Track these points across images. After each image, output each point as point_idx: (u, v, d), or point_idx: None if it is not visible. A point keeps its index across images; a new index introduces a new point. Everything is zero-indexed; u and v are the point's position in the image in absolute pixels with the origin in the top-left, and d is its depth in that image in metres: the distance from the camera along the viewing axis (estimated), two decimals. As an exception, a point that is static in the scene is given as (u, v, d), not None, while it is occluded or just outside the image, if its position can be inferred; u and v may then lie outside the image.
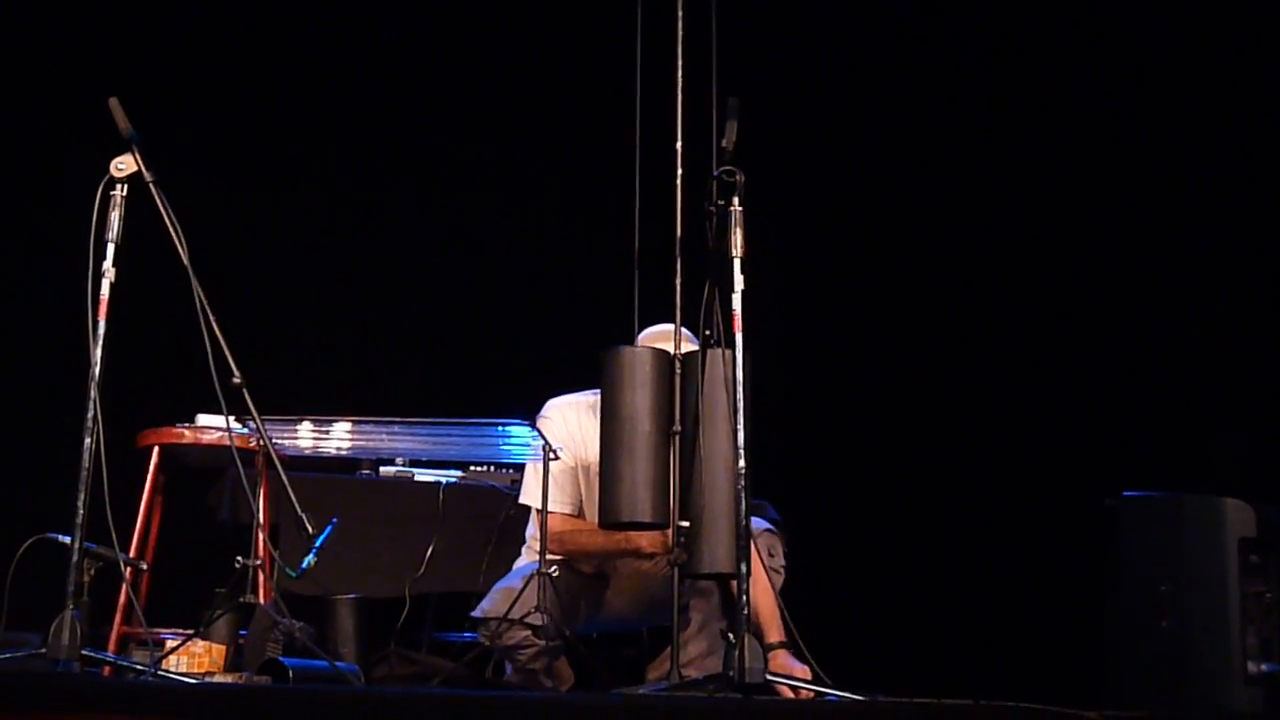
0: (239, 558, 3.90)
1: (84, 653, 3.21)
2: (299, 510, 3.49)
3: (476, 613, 4.08)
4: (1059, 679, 5.07)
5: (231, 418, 3.64)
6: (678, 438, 3.46)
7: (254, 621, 3.98)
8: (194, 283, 3.44)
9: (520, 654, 4.00)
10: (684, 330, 3.59)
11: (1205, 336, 5.56)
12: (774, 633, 3.92)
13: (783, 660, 3.83)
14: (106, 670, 3.61)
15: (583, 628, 4.19)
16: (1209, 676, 3.86)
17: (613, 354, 3.57)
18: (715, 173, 3.44)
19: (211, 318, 3.45)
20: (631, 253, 3.85)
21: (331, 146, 6.07)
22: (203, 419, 4.46)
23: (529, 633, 3.93)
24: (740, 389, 3.34)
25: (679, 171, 3.75)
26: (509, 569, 4.38)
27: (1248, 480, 4.52)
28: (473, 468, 4.83)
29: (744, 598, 3.23)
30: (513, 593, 3.95)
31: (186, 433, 4.46)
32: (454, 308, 6.09)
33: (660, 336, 3.85)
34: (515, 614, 3.91)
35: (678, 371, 3.49)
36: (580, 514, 4.17)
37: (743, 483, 3.29)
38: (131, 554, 4.27)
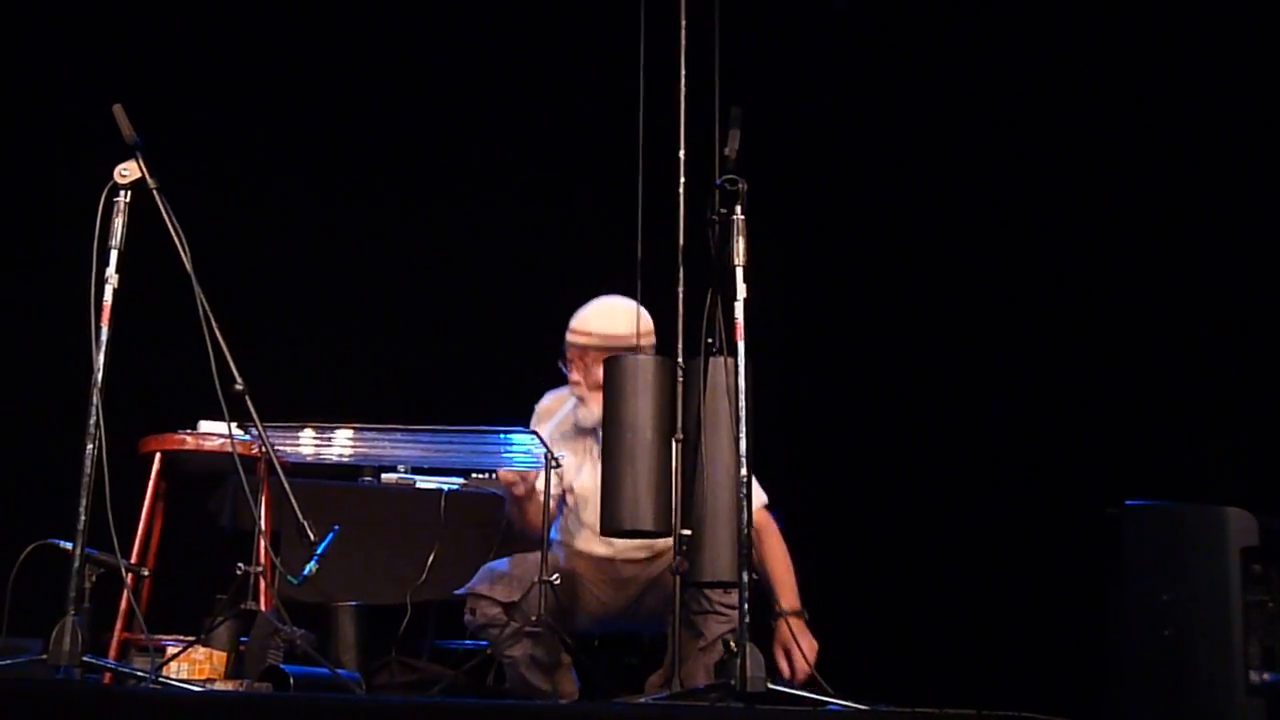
0: (240, 564, 3.91)
1: (85, 659, 3.21)
2: (300, 517, 3.49)
3: (462, 590, 4.03)
4: (1061, 688, 5.08)
5: (234, 424, 3.65)
6: (680, 445, 3.46)
7: (255, 628, 3.98)
8: (197, 289, 3.44)
9: (490, 632, 3.96)
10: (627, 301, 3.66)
11: (1207, 344, 5.55)
12: (790, 598, 3.96)
13: (792, 628, 3.85)
14: (107, 677, 3.62)
15: (581, 628, 4.16)
16: (1211, 686, 3.85)
17: (616, 362, 3.58)
18: (718, 181, 3.45)
19: (214, 324, 3.45)
20: (634, 261, 3.86)
21: (335, 155, 6.08)
22: (205, 425, 4.46)
23: (500, 610, 3.91)
24: (742, 397, 3.34)
25: (681, 180, 3.76)
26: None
27: (1250, 489, 4.51)
28: (474, 475, 4.82)
29: (744, 606, 3.23)
30: (497, 573, 3.98)
31: (189, 439, 4.46)
32: (456, 315, 6.09)
33: (606, 311, 4.01)
34: (501, 596, 3.92)
35: (680, 379, 3.49)
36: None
37: (744, 491, 3.29)
38: (133, 560, 4.27)
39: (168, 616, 4.33)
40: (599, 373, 3.81)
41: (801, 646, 3.81)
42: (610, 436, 3.52)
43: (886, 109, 6.20)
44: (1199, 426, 5.43)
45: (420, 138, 6.17)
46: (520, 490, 4.07)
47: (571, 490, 4.20)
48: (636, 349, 3.89)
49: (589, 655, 4.15)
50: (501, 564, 4.07)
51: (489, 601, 3.95)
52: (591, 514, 4.06)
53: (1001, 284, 5.96)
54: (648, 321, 4.06)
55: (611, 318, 4.10)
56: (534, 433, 4.02)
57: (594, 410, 4.04)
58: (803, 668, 3.78)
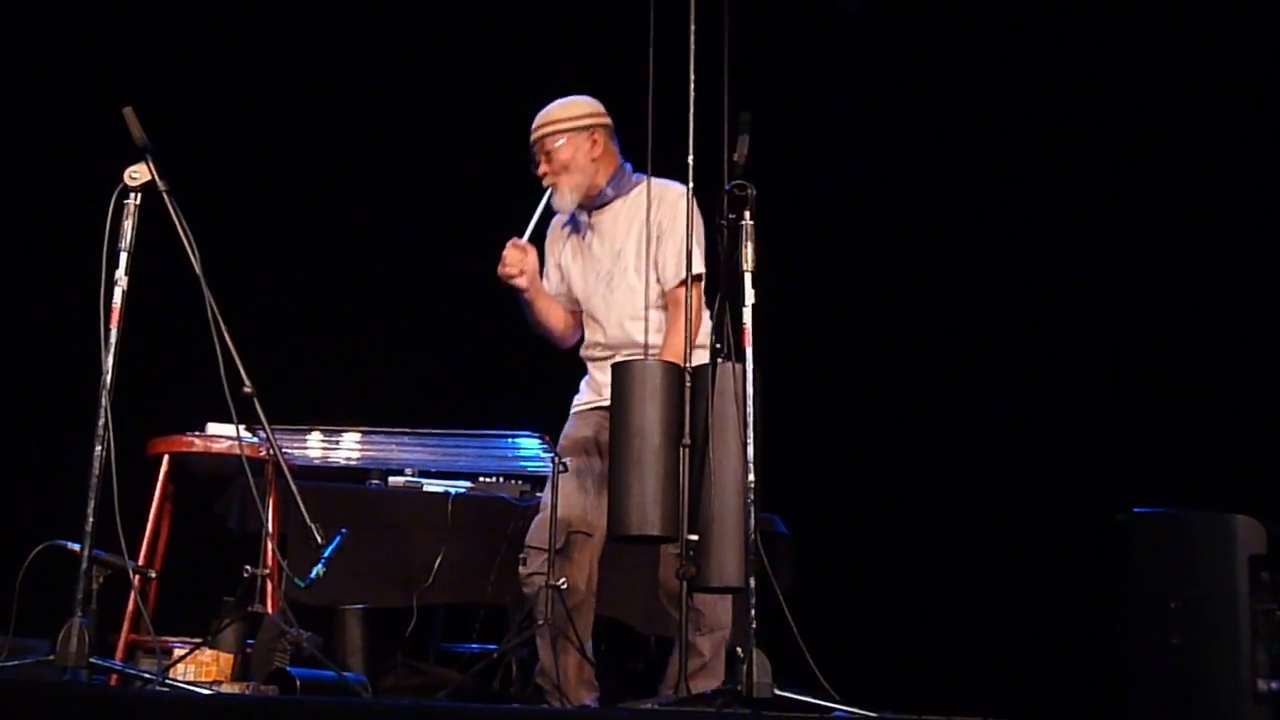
0: (247, 567, 3.91)
1: (92, 660, 3.21)
2: (308, 520, 3.49)
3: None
4: (1068, 696, 5.07)
5: (242, 427, 3.65)
6: (687, 451, 3.45)
7: (262, 631, 3.98)
8: (206, 292, 3.45)
9: (534, 580, 3.94)
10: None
11: (1215, 352, 5.55)
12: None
13: None
14: (114, 678, 3.62)
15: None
16: (1218, 694, 3.85)
17: (624, 367, 3.57)
18: (727, 187, 3.45)
19: (223, 327, 3.45)
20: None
21: (345, 158, 6.08)
22: (213, 428, 4.46)
23: (545, 557, 3.91)
24: (750, 403, 3.34)
25: (690, 185, 3.76)
26: (518, 580, 4.39)
27: (1258, 497, 4.51)
28: (481, 479, 4.82)
29: (751, 613, 3.23)
30: (541, 520, 4.01)
31: (196, 441, 4.46)
32: (464, 319, 6.09)
33: (554, 104, 4.21)
34: (544, 543, 3.93)
35: (688, 385, 3.49)
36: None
37: (752, 497, 3.29)
38: (140, 562, 4.28)
39: (175, 618, 4.33)
40: (561, 156, 4.13)
41: None
42: (618, 441, 3.51)
43: (897, 114, 6.19)
44: (1207, 434, 5.42)
45: (430, 143, 6.17)
46: (523, 283, 4.18)
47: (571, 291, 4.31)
48: (580, 126, 4.15)
49: (596, 659, 4.14)
50: (545, 506, 4.08)
51: (537, 551, 3.97)
52: (584, 300, 4.22)
53: (1011, 291, 5.96)
54: (590, 104, 4.21)
55: (559, 105, 4.24)
56: (540, 437, 4.02)
57: (565, 194, 4.17)
58: None
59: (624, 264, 4.11)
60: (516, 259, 4.16)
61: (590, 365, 4.23)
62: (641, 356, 3.82)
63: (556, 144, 4.15)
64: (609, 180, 4.17)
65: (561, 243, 4.33)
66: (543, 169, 4.20)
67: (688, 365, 3.52)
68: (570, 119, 4.18)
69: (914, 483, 5.93)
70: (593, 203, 4.20)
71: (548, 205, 4.19)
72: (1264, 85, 5.55)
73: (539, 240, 4.27)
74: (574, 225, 4.30)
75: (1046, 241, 5.94)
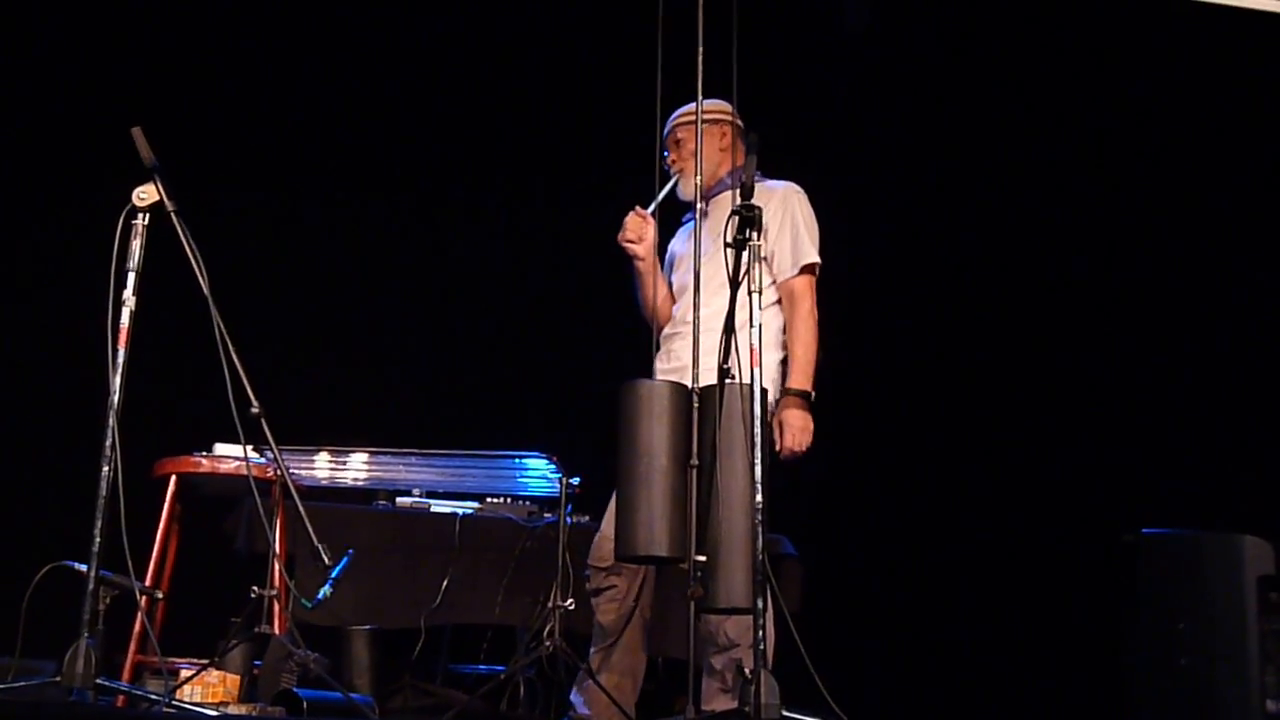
0: (254, 588, 3.91)
1: (98, 681, 3.20)
2: (315, 541, 3.48)
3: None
4: (1076, 717, 5.05)
5: (249, 447, 3.65)
6: (695, 472, 3.45)
7: (269, 652, 3.98)
8: (214, 312, 3.45)
9: (602, 595, 4.04)
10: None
11: (1226, 372, 5.54)
12: (797, 377, 4.13)
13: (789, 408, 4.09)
14: (120, 699, 3.61)
15: None
16: (1227, 715, 3.83)
17: (631, 388, 3.57)
18: (735, 207, 3.45)
19: (231, 347, 3.45)
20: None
21: (350, 178, 6.08)
22: (220, 448, 4.46)
23: (603, 575, 4.02)
24: (758, 423, 3.33)
25: (699, 205, 3.77)
26: (525, 601, 4.40)
27: (1267, 517, 4.50)
28: (489, 500, 4.82)
29: (759, 634, 3.22)
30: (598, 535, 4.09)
31: (204, 462, 4.46)
32: (473, 340, 6.09)
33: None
34: (597, 562, 4.05)
35: (695, 405, 3.49)
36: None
37: (760, 517, 3.28)
38: (147, 583, 4.27)
39: (182, 639, 4.33)
40: (690, 145, 4.14)
41: (793, 425, 4.05)
42: (625, 462, 3.51)
43: (903, 132, 6.20)
44: (1216, 454, 5.41)
45: (438, 164, 6.18)
46: (640, 252, 4.26)
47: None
48: (712, 119, 4.18)
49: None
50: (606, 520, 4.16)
51: (594, 569, 4.06)
52: (676, 277, 4.39)
53: (1019, 310, 5.95)
54: (723, 105, 4.23)
55: (695, 103, 4.25)
56: (548, 458, 4.02)
57: (690, 180, 4.21)
58: (787, 445, 4.04)
59: (720, 244, 4.13)
60: (637, 225, 4.26)
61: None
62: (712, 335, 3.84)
63: (687, 134, 4.26)
64: (730, 173, 4.26)
65: (682, 234, 4.47)
66: (672, 157, 4.35)
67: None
68: (703, 112, 4.22)
69: (922, 503, 5.92)
70: (711, 192, 4.29)
71: (671, 192, 4.29)
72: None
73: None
74: (694, 217, 4.37)
75: (1057, 259, 5.94)
